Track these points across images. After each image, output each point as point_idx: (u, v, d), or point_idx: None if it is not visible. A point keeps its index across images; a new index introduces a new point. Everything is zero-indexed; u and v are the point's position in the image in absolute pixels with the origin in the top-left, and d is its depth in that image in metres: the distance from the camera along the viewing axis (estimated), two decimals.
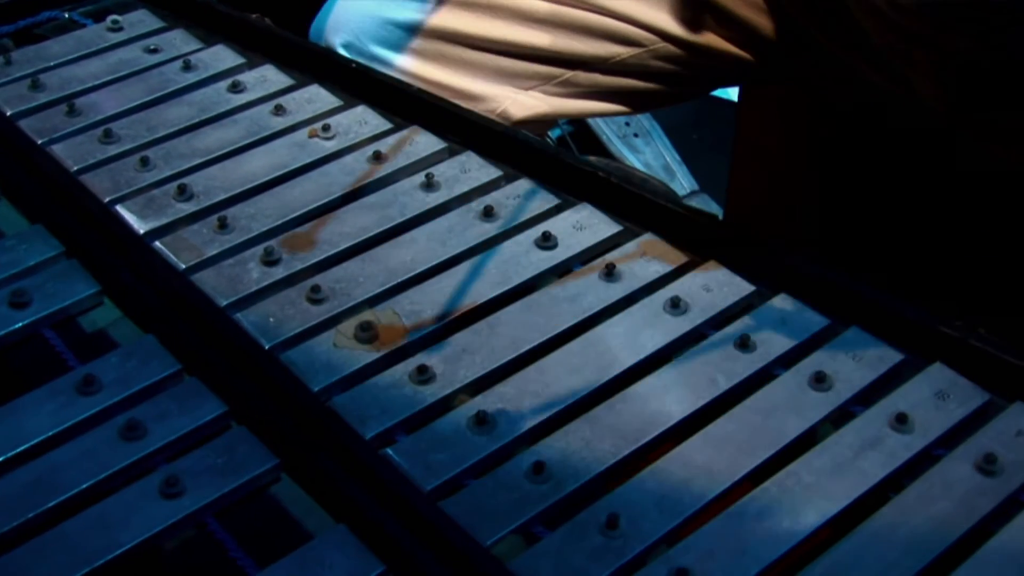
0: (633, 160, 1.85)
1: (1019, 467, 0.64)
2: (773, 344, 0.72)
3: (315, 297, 0.74)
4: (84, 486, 0.64)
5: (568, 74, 1.06)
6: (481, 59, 1.06)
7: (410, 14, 1.06)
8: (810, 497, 0.63)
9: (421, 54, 1.05)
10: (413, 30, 1.05)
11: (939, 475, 0.65)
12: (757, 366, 0.71)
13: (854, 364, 0.70)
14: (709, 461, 0.65)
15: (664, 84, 1.08)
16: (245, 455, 0.65)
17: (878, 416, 0.67)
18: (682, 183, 1.86)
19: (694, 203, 1.82)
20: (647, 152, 1.88)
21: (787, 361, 0.71)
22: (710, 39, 1.03)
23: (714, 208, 1.79)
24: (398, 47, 1.05)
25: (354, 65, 0.94)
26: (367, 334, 0.72)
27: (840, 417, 0.68)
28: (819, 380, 0.69)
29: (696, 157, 1.89)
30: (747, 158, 1.33)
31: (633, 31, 1.04)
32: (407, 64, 1.06)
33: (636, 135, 1.88)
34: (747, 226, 0.78)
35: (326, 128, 0.88)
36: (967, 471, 0.65)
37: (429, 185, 0.83)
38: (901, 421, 0.67)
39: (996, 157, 0.93)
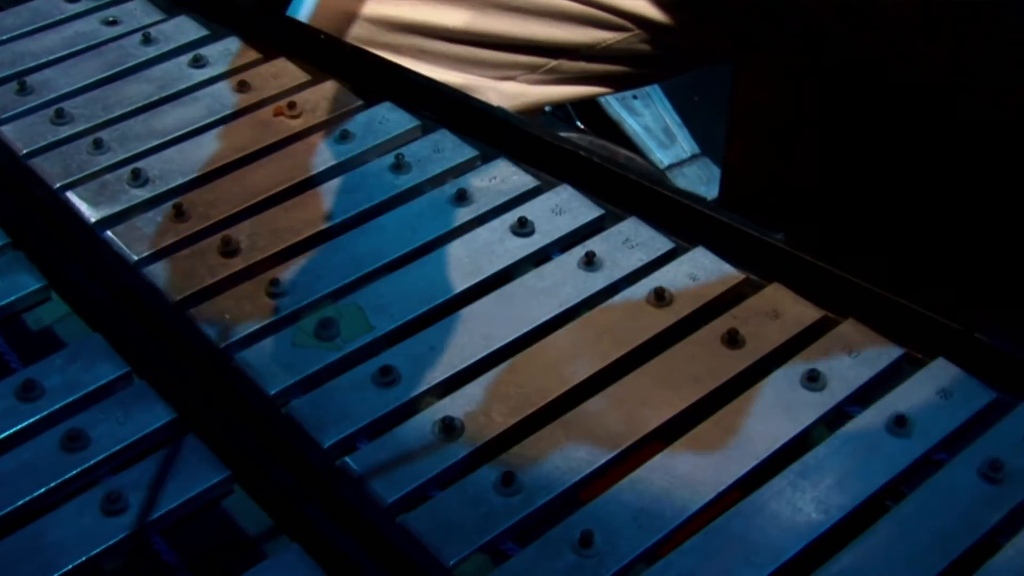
0: (632, 123, 1.79)
1: None
2: (763, 338, 0.67)
3: (274, 291, 0.69)
4: (20, 503, 0.59)
5: (552, 63, 1.02)
6: (460, 52, 1.01)
7: (384, 9, 1.01)
8: (802, 508, 0.59)
9: (397, 49, 1.00)
10: (387, 25, 1.00)
11: (941, 483, 0.60)
12: (746, 363, 0.66)
13: (850, 360, 0.66)
14: (692, 470, 0.60)
15: (652, 66, 1.04)
16: (194, 466, 0.61)
17: (875, 418, 0.63)
18: (683, 146, 1.81)
19: (695, 167, 1.77)
20: (646, 114, 1.82)
21: (778, 358, 0.66)
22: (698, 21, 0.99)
23: (715, 172, 1.74)
24: (371, 43, 1.00)
25: (323, 36, 0.89)
26: (328, 331, 0.67)
27: (835, 419, 0.64)
28: (812, 379, 0.64)
29: (697, 119, 1.84)
30: (744, 119, 1.28)
31: (617, 17, 0.99)
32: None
33: (635, 97, 1.83)
34: (737, 210, 0.73)
35: (292, 105, 0.83)
36: (971, 478, 0.60)
37: (399, 167, 0.78)
38: (900, 424, 0.62)
39: (996, 102, 0.87)
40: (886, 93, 1.05)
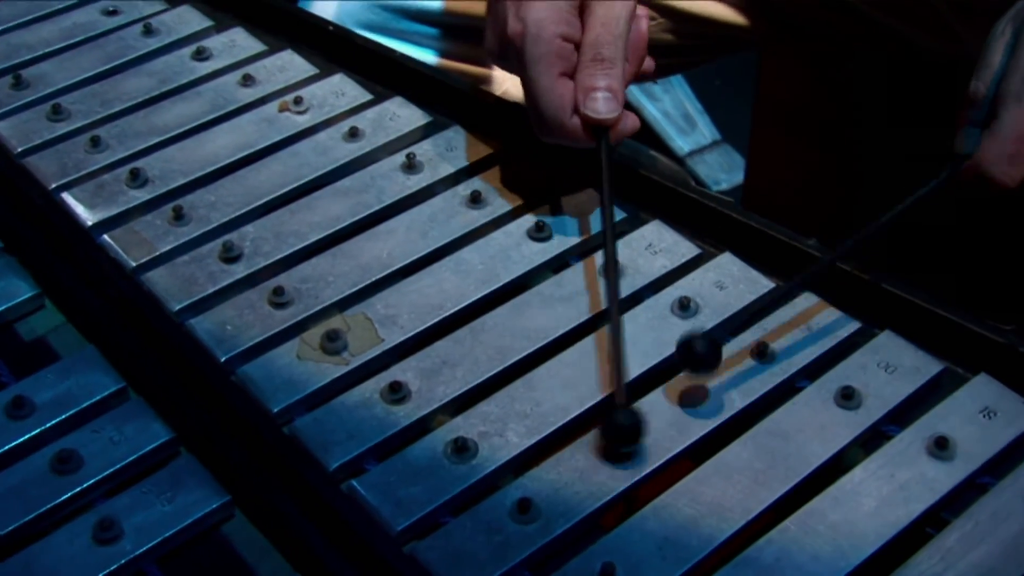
0: (651, 108, 1.75)
1: None
2: (794, 352, 0.63)
3: (278, 300, 0.66)
4: (8, 529, 0.56)
5: None
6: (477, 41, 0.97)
7: None
8: (836, 538, 0.55)
9: (409, 39, 0.96)
10: (400, 12, 0.96)
11: (985, 510, 0.56)
12: (777, 380, 0.62)
13: (887, 376, 0.62)
14: (720, 496, 0.57)
15: (676, 56, 0.99)
16: (193, 490, 0.58)
17: (914, 439, 0.59)
18: (703, 132, 1.76)
19: (715, 154, 1.73)
20: (666, 100, 1.78)
21: (811, 372, 0.63)
22: (718, 10, 0.94)
23: (737, 160, 1.70)
24: (384, 30, 0.96)
25: (331, 28, 0.85)
26: (335, 344, 0.63)
27: (871, 439, 0.60)
28: (847, 396, 0.61)
29: (718, 105, 1.80)
30: (769, 109, 1.24)
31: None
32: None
33: (655, 82, 1.78)
34: (765, 213, 0.69)
35: (298, 101, 0.80)
36: (1018, 505, 0.56)
37: (411, 166, 0.75)
38: (941, 445, 0.58)
39: None
40: (922, 82, 1.01)
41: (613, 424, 0.57)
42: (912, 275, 0.66)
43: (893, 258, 0.68)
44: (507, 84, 0.98)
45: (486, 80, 0.99)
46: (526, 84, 0.67)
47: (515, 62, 0.67)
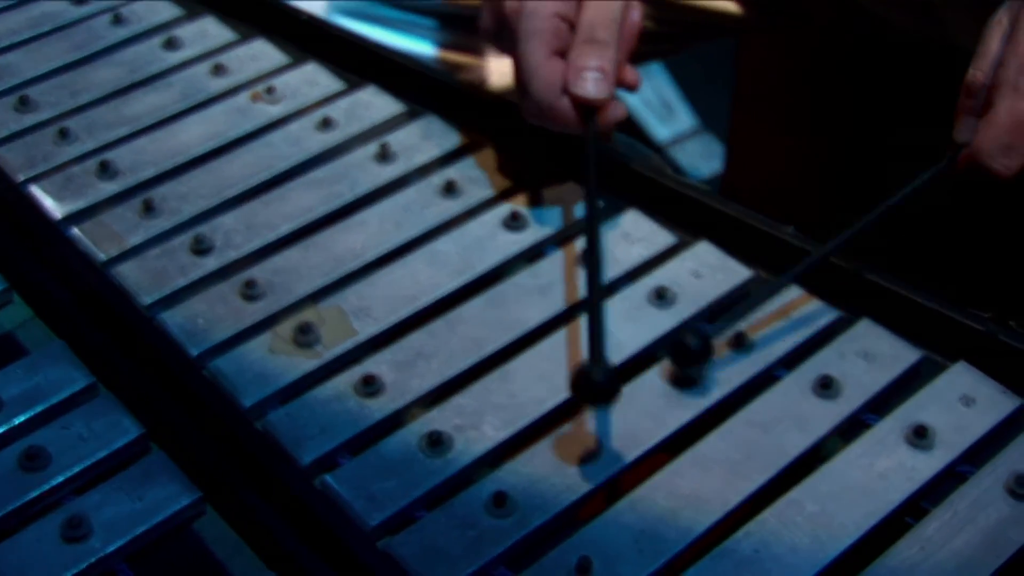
0: (630, 97, 1.74)
1: None
2: (772, 341, 0.63)
3: (250, 293, 0.65)
4: None
5: None
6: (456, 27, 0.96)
7: None
8: (815, 529, 0.55)
9: (387, 24, 0.95)
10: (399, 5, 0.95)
11: (964, 498, 0.56)
12: (755, 369, 0.61)
13: (865, 365, 0.61)
14: (697, 487, 0.56)
15: (654, 43, 0.98)
16: (163, 487, 0.57)
17: (893, 428, 0.59)
18: (683, 120, 1.76)
19: (695, 143, 1.72)
20: (645, 87, 1.77)
21: (789, 362, 0.62)
22: None
23: (717, 148, 1.69)
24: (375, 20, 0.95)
25: (303, 16, 0.84)
26: (308, 337, 0.63)
27: (850, 429, 0.60)
28: (825, 385, 0.60)
29: (697, 91, 1.79)
30: (747, 96, 1.23)
31: None
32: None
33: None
34: (745, 201, 0.69)
35: (271, 90, 0.79)
36: (997, 494, 0.56)
37: (384, 156, 0.74)
38: (920, 435, 0.58)
39: None
40: (903, 67, 1.01)
41: (587, 380, 0.56)
42: (904, 266, 0.66)
43: (886, 251, 0.67)
44: (494, 77, 0.97)
45: (480, 71, 0.98)
46: (517, 61, 0.66)
47: (508, 40, 0.67)
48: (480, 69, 1.05)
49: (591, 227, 0.62)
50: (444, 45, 1.09)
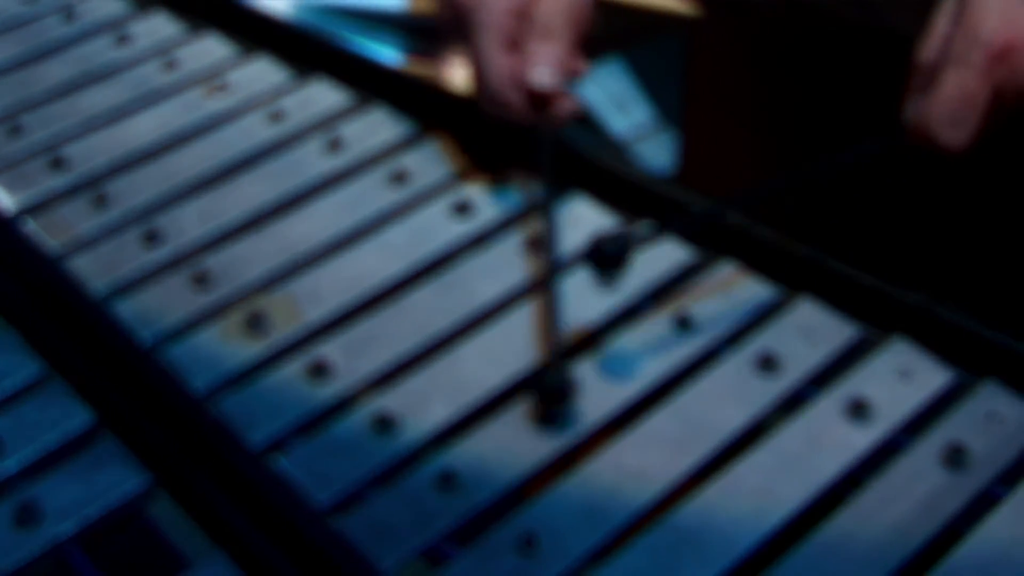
0: (584, 90, 1.76)
1: (990, 457, 0.57)
2: (714, 320, 0.64)
3: (202, 281, 0.66)
4: None
5: None
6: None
7: None
8: (756, 501, 0.56)
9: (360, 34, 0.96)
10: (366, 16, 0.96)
11: (900, 470, 0.57)
12: (696, 347, 0.63)
13: (804, 342, 0.63)
14: (641, 463, 0.57)
15: (607, 37, 1.00)
16: (115, 472, 0.57)
17: (832, 402, 0.60)
18: (640, 115, 1.77)
19: (653, 138, 1.73)
20: (601, 82, 1.78)
21: (730, 340, 0.63)
22: None
23: (672, 142, 1.70)
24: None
25: (254, 11, 0.85)
26: (259, 324, 0.63)
27: (790, 404, 0.61)
28: (766, 363, 0.61)
29: (654, 84, 1.80)
30: (700, 91, 1.24)
31: None
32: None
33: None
34: (686, 183, 0.70)
35: (221, 85, 0.79)
36: (932, 464, 0.57)
37: (333, 147, 0.75)
38: (858, 408, 0.59)
39: None
40: (855, 61, 1.02)
41: (544, 385, 0.57)
42: (843, 245, 0.67)
43: (826, 230, 0.68)
44: (458, 83, 0.98)
45: (447, 76, 0.99)
46: (472, 54, 0.67)
47: (464, 32, 0.68)
48: (446, 76, 1.06)
49: (547, 214, 0.63)
50: (411, 53, 1.10)
